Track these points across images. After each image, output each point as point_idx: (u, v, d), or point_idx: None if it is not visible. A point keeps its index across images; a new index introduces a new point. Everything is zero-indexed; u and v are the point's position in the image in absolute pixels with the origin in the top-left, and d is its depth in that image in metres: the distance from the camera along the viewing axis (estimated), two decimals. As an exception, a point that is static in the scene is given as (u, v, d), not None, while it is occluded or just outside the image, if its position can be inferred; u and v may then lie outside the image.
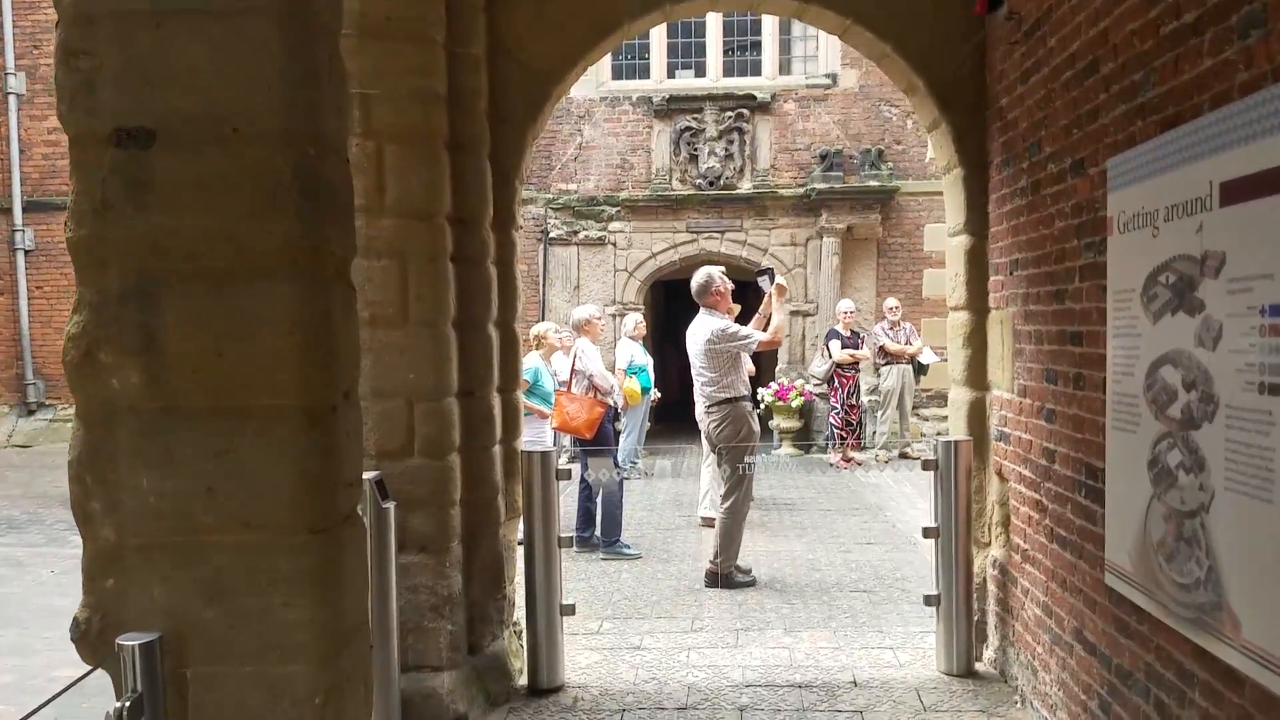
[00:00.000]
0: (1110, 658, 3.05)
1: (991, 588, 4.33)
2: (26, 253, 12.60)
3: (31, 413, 12.61)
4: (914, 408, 11.98)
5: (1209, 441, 2.35)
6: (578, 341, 7.38)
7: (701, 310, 6.12)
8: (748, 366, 6.61)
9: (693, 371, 6.18)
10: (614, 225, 12.95)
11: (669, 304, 13.18)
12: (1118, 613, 2.97)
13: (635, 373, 9.12)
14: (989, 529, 4.33)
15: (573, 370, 7.19)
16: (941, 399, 12.90)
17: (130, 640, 1.69)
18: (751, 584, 5.99)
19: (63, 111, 1.77)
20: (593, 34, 4.29)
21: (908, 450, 11.58)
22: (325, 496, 1.83)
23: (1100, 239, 3.03)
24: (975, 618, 4.36)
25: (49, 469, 10.46)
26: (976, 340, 4.35)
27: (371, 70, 3.45)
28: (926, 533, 4.39)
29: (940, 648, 4.38)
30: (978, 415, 4.38)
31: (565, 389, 7.12)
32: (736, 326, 6.04)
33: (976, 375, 4.37)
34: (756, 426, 6.12)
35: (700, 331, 6.04)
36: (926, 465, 4.37)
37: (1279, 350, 2.08)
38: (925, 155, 12.65)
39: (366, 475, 2.98)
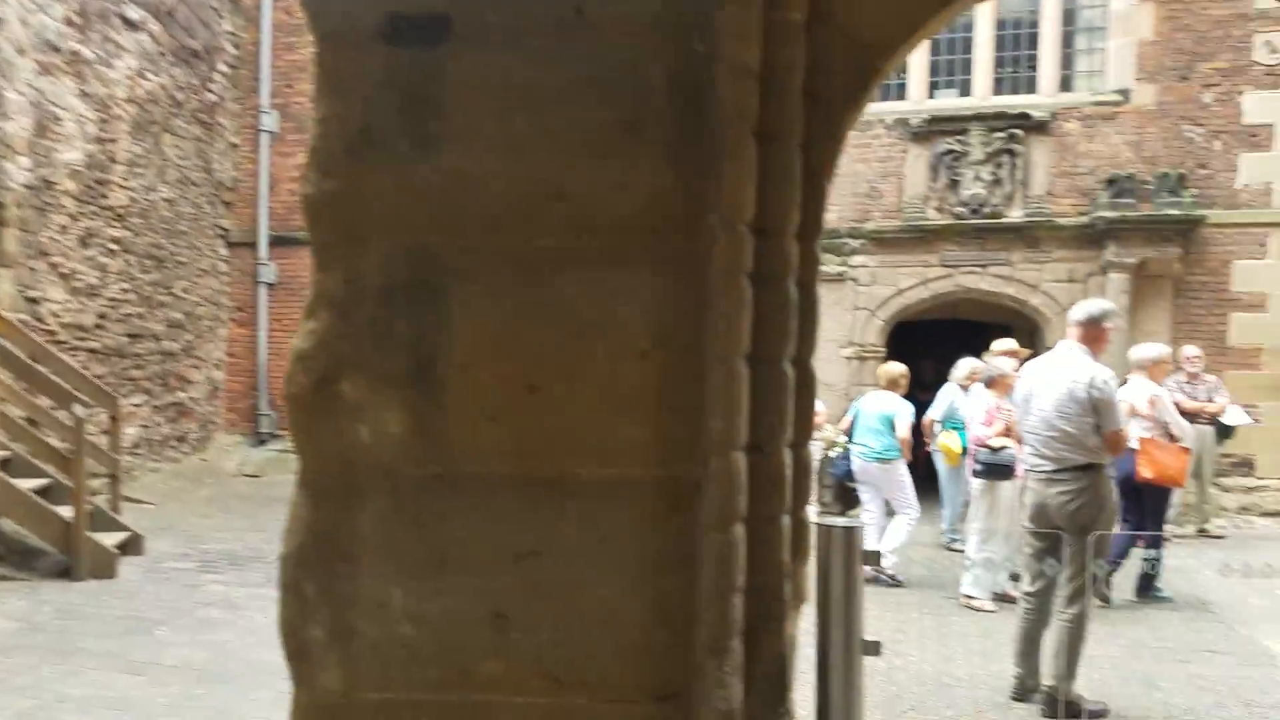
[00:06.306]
0: None
1: None
2: (269, 286, 12.83)
3: (263, 443, 12.71)
4: (1215, 476, 10.12)
5: None
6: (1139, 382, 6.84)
7: (1071, 347, 4.76)
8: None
9: (1030, 421, 4.83)
10: (855, 260, 11.92)
11: (906, 347, 11.88)
12: None
13: (954, 427, 7.85)
14: None
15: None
16: (1248, 466, 10.97)
17: None
18: (1104, 714, 4.59)
19: (310, 3, 1.11)
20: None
21: (1206, 527, 9.75)
22: (686, 639, 1.05)
23: None
24: None
25: (277, 501, 10.16)
26: None
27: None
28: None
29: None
30: None
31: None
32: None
33: None
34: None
35: (1073, 373, 4.63)
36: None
37: None
38: (1235, 180, 10.86)
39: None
